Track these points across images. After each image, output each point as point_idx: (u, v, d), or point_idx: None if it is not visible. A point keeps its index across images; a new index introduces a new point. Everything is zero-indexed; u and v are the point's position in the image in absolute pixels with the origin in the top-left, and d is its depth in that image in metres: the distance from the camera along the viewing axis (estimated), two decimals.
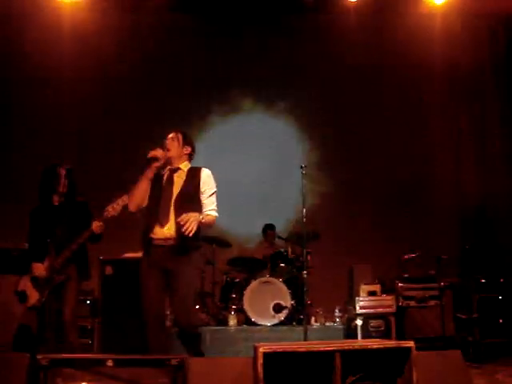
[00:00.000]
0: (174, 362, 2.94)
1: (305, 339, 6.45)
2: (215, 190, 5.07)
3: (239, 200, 9.47)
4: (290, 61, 9.88)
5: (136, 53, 9.65)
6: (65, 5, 9.21)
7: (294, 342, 5.35)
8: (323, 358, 3.86)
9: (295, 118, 10.12)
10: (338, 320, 7.69)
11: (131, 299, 6.74)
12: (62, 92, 9.45)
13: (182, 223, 4.63)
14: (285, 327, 7.33)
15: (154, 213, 4.93)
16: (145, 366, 3.04)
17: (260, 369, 3.74)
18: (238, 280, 7.93)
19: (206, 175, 5.05)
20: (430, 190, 9.81)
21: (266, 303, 7.42)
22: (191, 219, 4.63)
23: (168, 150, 5.03)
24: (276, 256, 8.02)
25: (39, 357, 3.05)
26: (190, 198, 4.93)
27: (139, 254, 7.18)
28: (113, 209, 5.44)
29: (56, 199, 5.70)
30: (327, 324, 7.63)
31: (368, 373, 3.93)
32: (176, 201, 4.91)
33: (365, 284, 7.66)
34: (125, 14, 9.57)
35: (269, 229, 8.75)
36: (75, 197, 5.77)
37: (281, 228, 8.88)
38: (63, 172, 5.67)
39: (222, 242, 8.28)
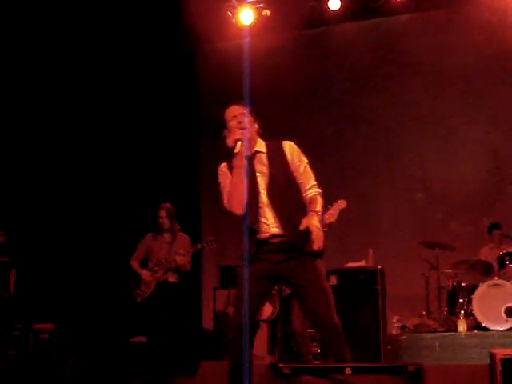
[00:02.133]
0: (411, 368, 2.96)
1: None
2: (307, 161, 4.12)
3: (460, 201, 9.24)
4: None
5: None
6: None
7: None
8: None
9: None
10: None
11: (358, 308, 6.89)
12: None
13: (313, 238, 3.82)
14: None
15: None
16: (382, 373, 3.10)
17: (499, 376, 3.63)
18: (464, 284, 7.69)
19: (289, 147, 4.11)
20: None
21: (496, 307, 7.11)
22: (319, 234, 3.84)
23: (245, 129, 3.99)
24: (504, 257, 7.68)
25: (281, 365, 3.23)
26: (284, 182, 4.02)
27: (362, 263, 7.35)
28: (330, 215, 5.55)
29: None
30: None
31: None
32: (269, 193, 4.01)
33: None
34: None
35: (494, 228, 8.39)
36: None
37: (507, 226, 8.47)
38: None
39: (445, 246, 8.10)
